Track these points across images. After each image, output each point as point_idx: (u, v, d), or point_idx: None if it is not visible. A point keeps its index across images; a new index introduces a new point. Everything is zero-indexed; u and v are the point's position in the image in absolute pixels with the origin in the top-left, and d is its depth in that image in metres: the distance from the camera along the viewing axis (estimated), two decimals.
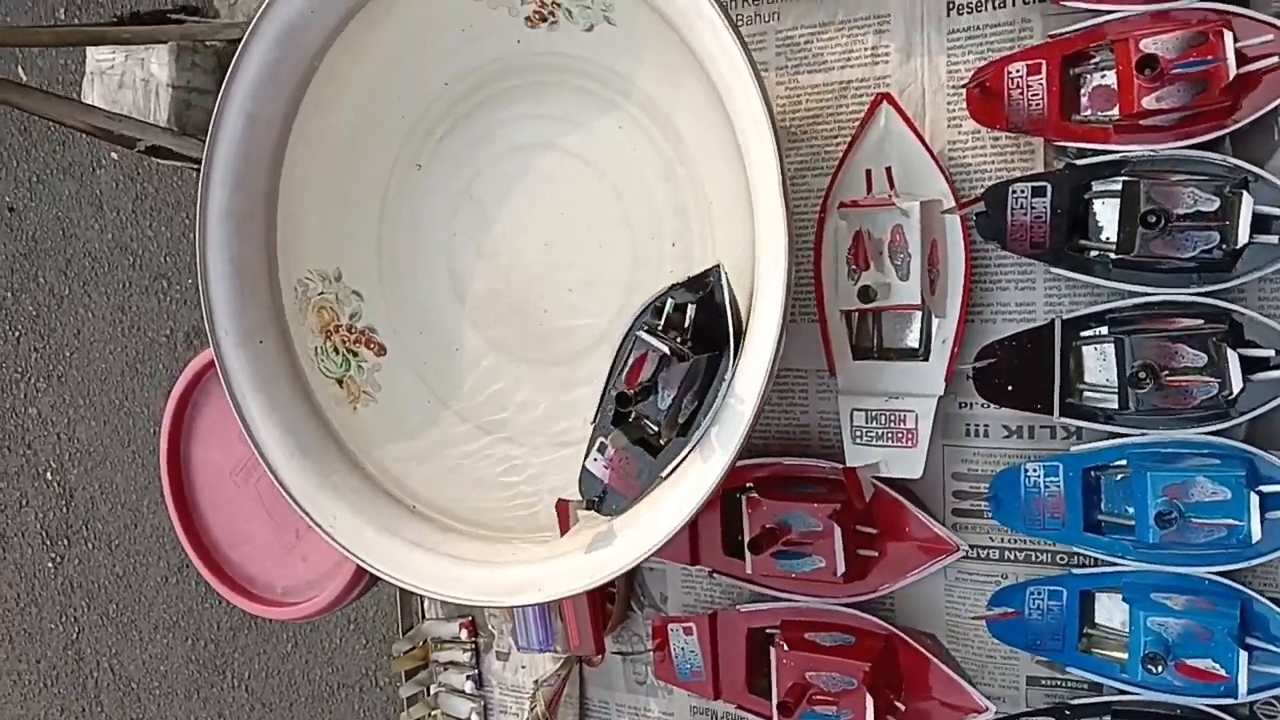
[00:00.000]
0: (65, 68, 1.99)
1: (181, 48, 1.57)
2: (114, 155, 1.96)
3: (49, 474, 2.17)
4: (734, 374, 0.54)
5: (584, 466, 0.58)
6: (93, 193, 2.03)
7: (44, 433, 2.16)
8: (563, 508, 0.58)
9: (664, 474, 0.56)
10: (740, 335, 0.55)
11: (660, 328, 0.55)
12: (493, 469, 0.69)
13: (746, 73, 0.51)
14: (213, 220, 0.66)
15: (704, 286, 0.57)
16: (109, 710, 2.16)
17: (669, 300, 0.56)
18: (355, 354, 0.72)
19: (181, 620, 2.00)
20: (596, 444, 0.58)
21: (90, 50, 1.63)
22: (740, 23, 0.64)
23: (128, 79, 1.61)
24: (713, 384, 0.55)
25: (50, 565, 2.19)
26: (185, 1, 1.84)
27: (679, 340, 0.55)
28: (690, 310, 0.56)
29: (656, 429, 0.56)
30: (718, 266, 0.56)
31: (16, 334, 2.17)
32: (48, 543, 2.19)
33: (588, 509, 0.59)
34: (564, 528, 0.59)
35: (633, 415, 0.57)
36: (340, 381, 0.71)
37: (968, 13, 0.58)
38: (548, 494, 0.66)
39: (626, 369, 0.56)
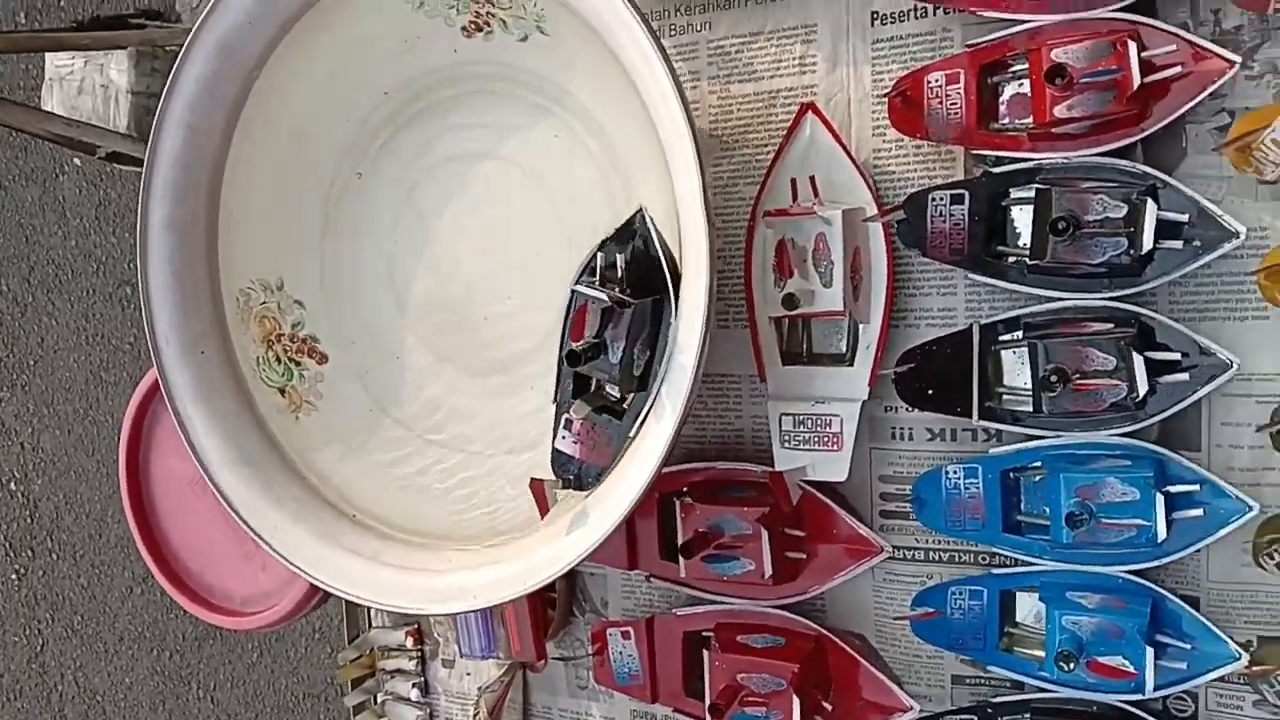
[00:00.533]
0: (26, 72, 1.98)
1: (140, 53, 1.56)
2: (76, 161, 1.96)
3: (12, 484, 2.15)
4: (678, 316, 0.53)
5: (554, 447, 0.59)
6: (55, 199, 2.02)
7: (7, 443, 2.15)
8: (538, 487, 0.58)
9: (631, 434, 0.56)
10: (676, 277, 0.55)
11: (597, 283, 0.56)
12: (432, 477, 0.69)
13: (669, 85, 0.52)
14: (154, 233, 0.66)
15: (632, 235, 0.57)
16: None
17: (599, 256, 0.57)
18: (297, 363, 0.72)
19: (147, 631, 1.99)
20: (561, 421, 0.58)
21: (49, 56, 1.62)
22: (673, 32, 0.65)
23: (87, 85, 1.60)
24: (660, 330, 0.56)
25: (14, 577, 2.17)
26: (147, 6, 1.84)
27: (617, 289, 0.55)
28: (622, 260, 0.56)
29: (616, 392, 0.57)
30: (640, 212, 0.57)
31: None
32: (11, 554, 2.17)
33: (565, 487, 0.59)
34: (542, 508, 0.59)
35: (592, 384, 0.57)
36: (282, 391, 0.71)
37: (891, 23, 0.59)
38: (485, 502, 0.67)
39: (570, 325, 0.56)
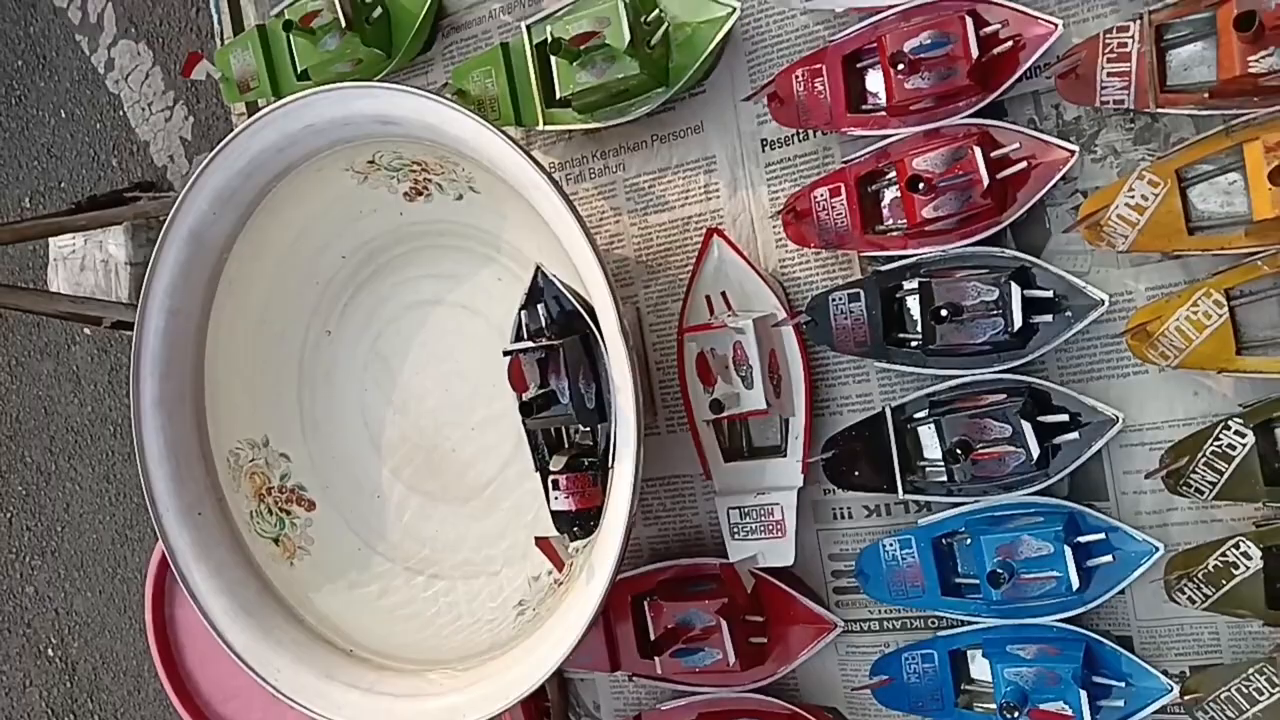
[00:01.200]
0: (33, 253, 2.09)
1: (136, 226, 1.66)
2: (86, 331, 2.05)
3: (50, 650, 2.20)
4: (606, 339, 0.58)
5: (551, 510, 0.63)
6: (70, 369, 2.11)
7: (42, 609, 2.20)
8: (545, 545, 0.62)
9: (611, 464, 0.60)
10: (591, 311, 0.61)
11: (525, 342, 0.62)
12: (420, 604, 0.74)
13: (580, 235, 0.59)
14: (146, 409, 0.72)
15: (540, 295, 0.63)
16: None
17: (519, 320, 0.63)
18: (288, 512, 0.77)
19: None
20: (549, 484, 0.63)
21: (51, 239, 1.73)
22: (593, 174, 0.72)
23: (88, 261, 1.70)
24: (596, 361, 0.61)
25: None
26: (140, 179, 1.96)
27: (544, 338, 0.61)
28: (543, 316, 0.62)
29: (580, 432, 0.62)
30: (538, 270, 0.63)
31: (8, 514, 2.23)
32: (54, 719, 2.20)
33: (573, 540, 0.64)
34: (557, 563, 0.63)
35: (560, 438, 0.63)
36: (276, 540, 0.77)
37: (780, 147, 0.66)
38: (470, 622, 0.72)
39: (511, 383, 0.62)
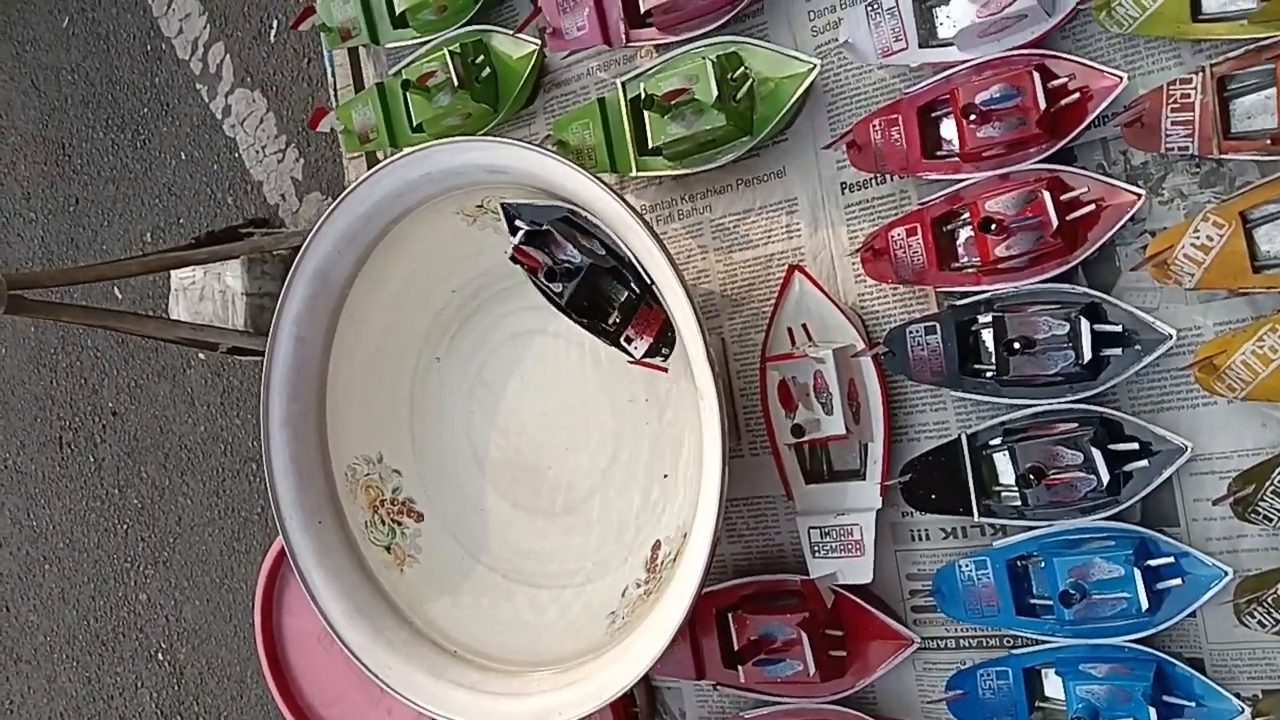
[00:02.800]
0: (153, 283, 2.24)
1: (251, 260, 1.78)
2: (201, 356, 2.18)
3: (159, 654, 2.32)
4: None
5: (638, 358, 0.70)
6: (185, 391, 2.24)
7: (154, 616, 2.33)
8: (641, 364, 0.68)
9: (654, 294, 0.66)
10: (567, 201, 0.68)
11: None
12: (519, 611, 0.79)
13: (670, 272, 0.64)
14: (274, 428, 0.80)
15: (512, 221, 0.71)
16: None
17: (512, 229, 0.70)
18: (399, 523, 0.84)
19: None
20: (622, 341, 0.69)
21: (173, 271, 1.86)
22: (681, 215, 0.78)
23: (207, 292, 1.82)
24: (585, 227, 0.68)
25: None
26: (254, 215, 2.09)
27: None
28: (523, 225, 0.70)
29: (614, 285, 0.69)
30: (501, 205, 0.70)
31: (124, 526, 2.37)
32: None
33: (664, 359, 0.70)
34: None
35: (590, 302, 0.69)
36: (388, 548, 0.83)
37: (858, 189, 0.70)
38: (565, 630, 0.77)
39: (526, 269, 0.70)
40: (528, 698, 0.72)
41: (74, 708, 2.51)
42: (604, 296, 0.70)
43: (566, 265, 0.69)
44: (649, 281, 0.67)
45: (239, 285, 1.75)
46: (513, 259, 0.70)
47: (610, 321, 0.70)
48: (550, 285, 0.69)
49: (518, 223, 0.70)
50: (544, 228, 0.69)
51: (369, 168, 0.97)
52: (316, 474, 0.82)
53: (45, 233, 2.49)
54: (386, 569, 0.82)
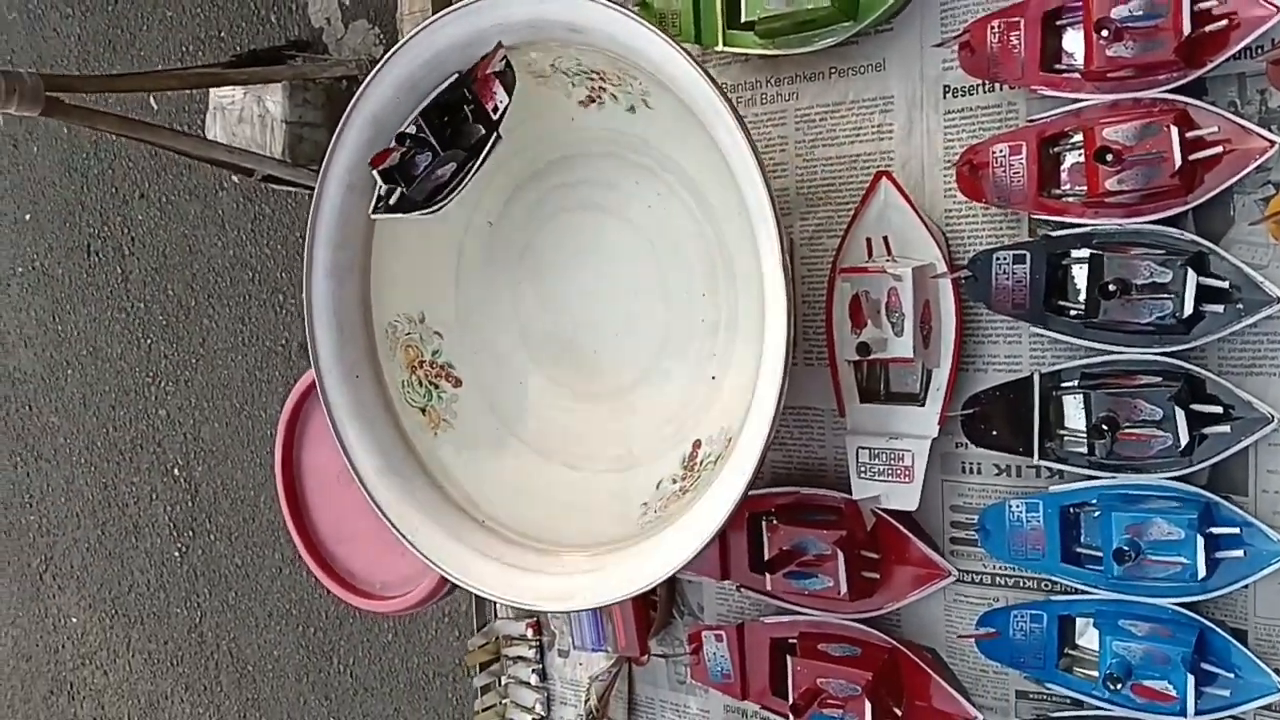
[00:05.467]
0: (190, 98, 2.18)
1: (294, 86, 1.72)
2: (234, 179, 2.15)
3: (176, 470, 2.38)
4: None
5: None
6: (215, 213, 2.22)
7: (172, 432, 2.37)
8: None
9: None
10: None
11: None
12: (550, 489, 0.78)
13: (752, 161, 0.60)
14: (318, 277, 0.77)
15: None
16: (227, 689, 2.35)
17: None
18: (436, 386, 0.82)
19: (294, 609, 2.17)
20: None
21: (213, 89, 1.80)
22: (764, 100, 0.73)
23: (246, 114, 1.77)
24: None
25: (177, 554, 2.40)
26: (297, 37, 2.01)
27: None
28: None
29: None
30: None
31: (149, 341, 2.39)
32: (175, 533, 2.40)
33: None
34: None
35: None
36: (423, 410, 0.82)
37: (962, 96, 0.65)
38: (595, 514, 0.76)
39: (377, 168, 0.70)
40: (553, 576, 0.72)
41: (89, 510, 2.59)
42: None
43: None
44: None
45: (279, 111, 1.69)
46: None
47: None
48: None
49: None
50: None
51: (433, 6, 0.91)
52: (357, 328, 0.80)
53: (82, 30, 2.41)
54: (420, 430, 0.80)
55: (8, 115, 1.30)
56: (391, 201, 0.71)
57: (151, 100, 2.24)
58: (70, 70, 2.41)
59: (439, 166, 0.70)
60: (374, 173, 0.70)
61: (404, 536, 0.76)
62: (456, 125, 0.71)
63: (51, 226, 2.56)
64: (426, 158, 0.70)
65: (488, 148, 0.69)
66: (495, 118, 0.70)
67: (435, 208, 0.71)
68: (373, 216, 0.73)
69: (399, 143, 0.70)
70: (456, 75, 0.70)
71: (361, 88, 0.73)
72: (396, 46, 0.71)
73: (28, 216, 2.61)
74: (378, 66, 0.73)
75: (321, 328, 0.78)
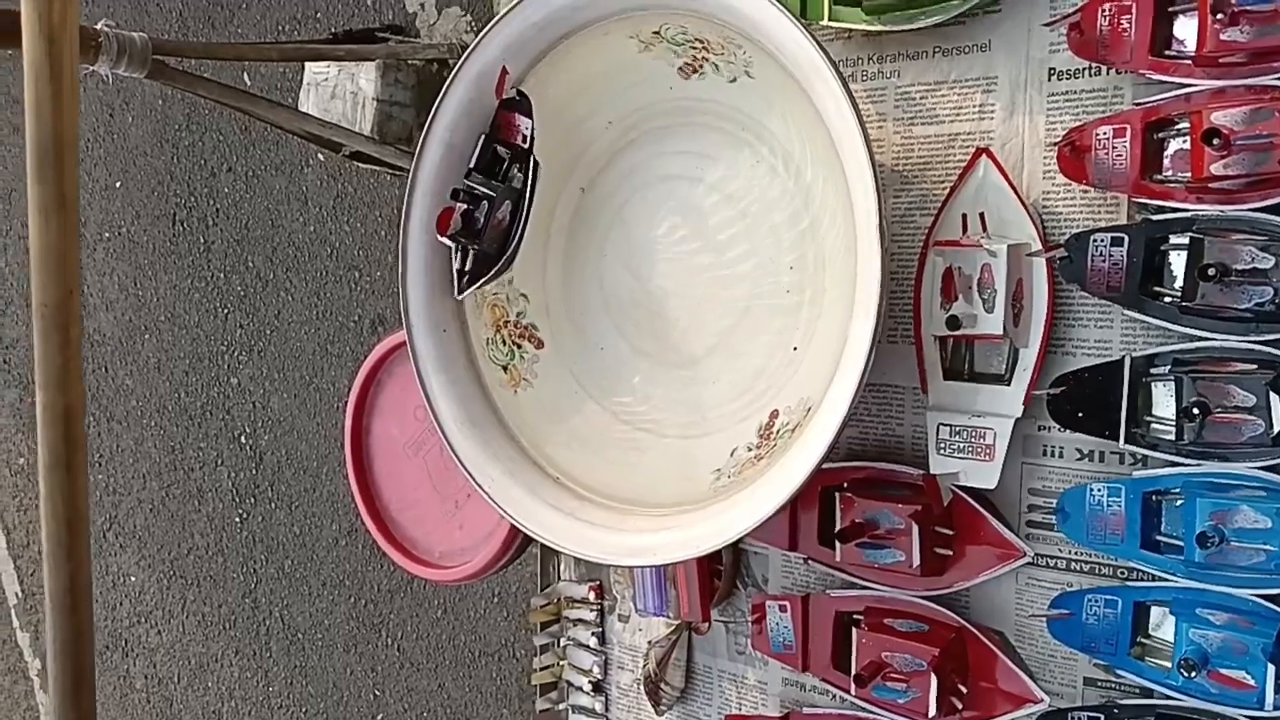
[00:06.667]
0: (283, 75, 2.24)
1: (387, 65, 1.77)
2: (320, 157, 2.20)
3: (243, 438, 2.44)
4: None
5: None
6: (300, 189, 2.28)
7: (241, 400, 2.43)
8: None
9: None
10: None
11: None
12: (624, 451, 0.80)
13: (856, 128, 0.61)
14: (414, 230, 0.79)
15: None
16: (276, 656, 2.40)
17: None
18: (519, 346, 0.84)
19: (346, 580, 2.21)
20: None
21: (309, 64, 1.85)
22: (864, 78, 0.73)
23: (339, 91, 1.82)
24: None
25: (237, 520, 2.46)
26: (391, 21, 2.06)
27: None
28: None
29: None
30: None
31: (225, 311, 2.46)
32: (237, 499, 2.46)
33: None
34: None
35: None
36: (505, 368, 0.84)
37: (1067, 78, 0.65)
38: (667, 477, 0.77)
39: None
40: (623, 533, 0.73)
41: (156, 472, 2.67)
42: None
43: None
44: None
45: (371, 89, 1.74)
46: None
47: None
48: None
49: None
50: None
51: None
52: (446, 283, 0.82)
53: (184, 7, 2.50)
54: (501, 387, 0.82)
55: (115, 75, 1.35)
56: (469, 267, 0.76)
57: (245, 77, 2.31)
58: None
59: (497, 210, 0.75)
60: (443, 240, 0.75)
61: (480, 485, 0.78)
62: (501, 174, 0.76)
63: (140, 195, 2.65)
64: (484, 207, 0.74)
65: (531, 177, 0.75)
66: (526, 147, 0.75)
67: (510, 255, 0.76)
68: (459, 298, 0.77)
69: (454, 199, 0.74)
70: (483, 136, 0.75)
71: (472, 46, 0.76)
72: (509, 8, 0.74)
73: (118, 184, 2.70)
74: (489, 26, 0.75)
75: (414, 281, 0.80)
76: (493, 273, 0.77)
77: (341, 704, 2.25)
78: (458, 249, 0.76)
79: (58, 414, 0.60)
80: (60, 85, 0.60)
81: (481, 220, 0.75)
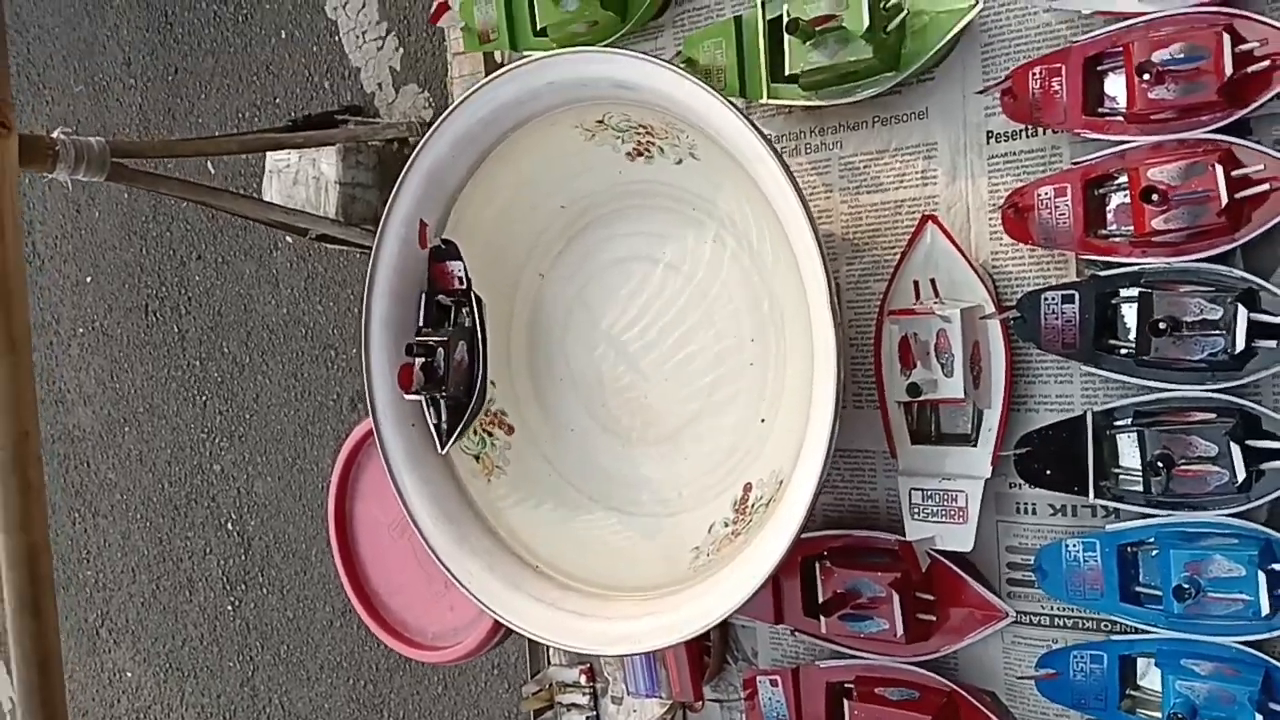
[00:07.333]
0: (246, 162, 2.26)
1: (347, 149, 1.78)
2: (288, 239, 2.21)
3: (229, 524, 2.42)
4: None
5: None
6: (270, 272, 2.28)
7: (226, 487, 2.41)
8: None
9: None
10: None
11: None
12: (602, 535, 0.79)
13: (800, 210, 0.61)
14: (375, 327, 0.80)
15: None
16: None
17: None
18: (490, 434, 0.84)
19: (344, 662, 2.18)
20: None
21: (269, 153, 1.86)
22: (808, 150, 0.74)
23: (301, 176, 1.83)
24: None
25: (229, 608, 2.43)
26: (350, 103, 2.08)
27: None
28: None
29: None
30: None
31: (204, 398, 2.44)
32: (228, 587, 2.43)
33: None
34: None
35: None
36: (477, 457, 0.83)
37: (1005, 140, 0.66)
38: (648, 557, 0.77)
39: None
40: (607, 621, 0.72)
41: (145, 564, 2.63)
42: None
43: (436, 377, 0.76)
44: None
45: (333, 173, 1.75)
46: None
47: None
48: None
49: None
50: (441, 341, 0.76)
51: (485, 68, 0.94)
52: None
53: (144, 100, 2.51)
54: (474, 477, 0.82)
55: (75, 180, 1.35)
56: (444, 420, 0.77)
57: (209, 165, 2.32)
58: (132, 137, 2.51)
59: (454, 352, 0.77)
60: (408, 398, 0.76)
61: (460, 582, 0.78)
62: (451, 320, 0.79)
63: (111, 288, 2.65)
64: (440, 355, 0.76)
65: (477, 314, 0.77)
66: (465, 288, 0.77)
67: (480, 393, 0.78)
68: (443, 453, 0.78)
69: (409, 354, 0.76)
70: (422, 294, 0.78)
71: (421, 143, 0.77)
72: (454, 105, 0.75)
73: (89, 279, 2.70)
74: (436, 124, 0.76)
75: (379, 377, 0.80)
76: (468, 416, 0.78)
77: None
78: (428, 403, 0.77)
79: (22, 555, 0.60)
80: (3, 223, 0.61)
81: (442, 367, 0.76)
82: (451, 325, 0.78)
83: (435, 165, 0.77)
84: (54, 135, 1.33)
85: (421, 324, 0.78)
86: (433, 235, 0.79)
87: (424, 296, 0.78)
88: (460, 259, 0.77)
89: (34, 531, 0.60)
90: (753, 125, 0.62)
